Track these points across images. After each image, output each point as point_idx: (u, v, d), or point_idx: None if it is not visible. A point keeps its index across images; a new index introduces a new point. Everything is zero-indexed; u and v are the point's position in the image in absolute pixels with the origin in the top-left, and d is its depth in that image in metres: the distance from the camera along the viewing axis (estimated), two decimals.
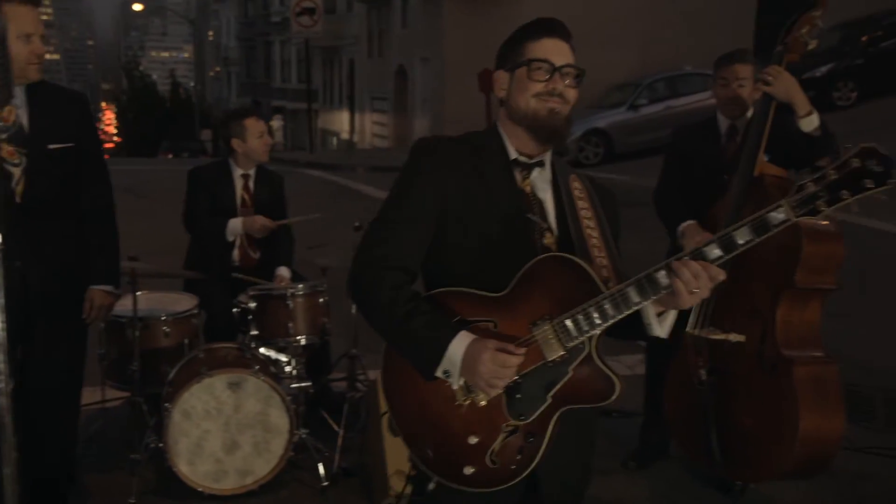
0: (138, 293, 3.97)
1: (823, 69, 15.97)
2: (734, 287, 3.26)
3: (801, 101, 3.23)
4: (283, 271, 4.43)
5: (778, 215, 1.75)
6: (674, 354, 3.56)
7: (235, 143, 4.40)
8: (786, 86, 3.24)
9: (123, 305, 3.92)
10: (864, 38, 16.19)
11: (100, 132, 4.32)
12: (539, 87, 1.98)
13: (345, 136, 33.04)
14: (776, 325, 3.10)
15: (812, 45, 3.13)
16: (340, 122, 33.66)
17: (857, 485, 3.84)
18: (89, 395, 4.48)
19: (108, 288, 3.36)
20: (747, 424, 3.18)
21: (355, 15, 31.10)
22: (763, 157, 3.34)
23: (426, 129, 22.22)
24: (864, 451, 4.10)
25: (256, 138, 4.39)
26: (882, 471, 3.96)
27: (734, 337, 3.20)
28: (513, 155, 2.06)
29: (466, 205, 2.00)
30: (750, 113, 3.63)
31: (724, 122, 3.78)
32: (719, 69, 3.73)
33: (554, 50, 2.00)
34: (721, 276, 1.79)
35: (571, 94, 2.01)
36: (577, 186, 2.09)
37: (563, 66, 1.99)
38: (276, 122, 30.48)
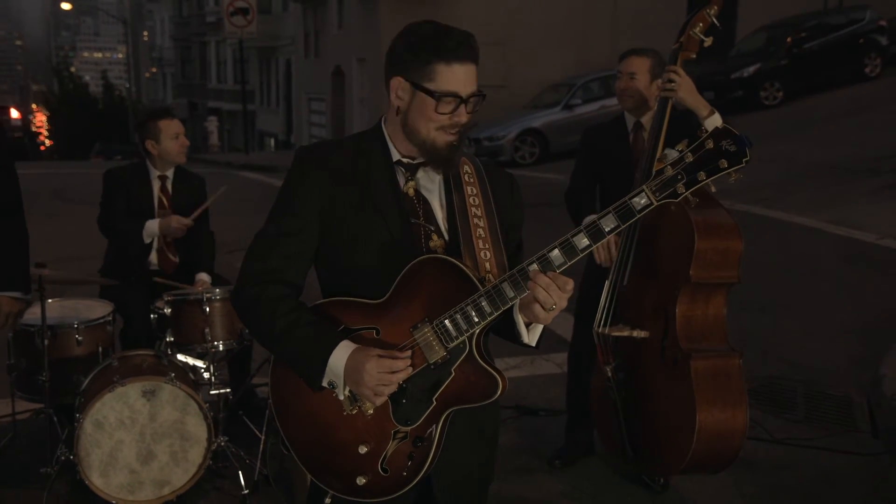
0: (51, 301, 3.84)
1: (751, 69, 16.38)
2: (639, 284, 3.29)
3: (701, 103, 3.26)
4: (204, 276, 4.33)
5: (640, 200, 1.77)
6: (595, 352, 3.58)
7: (150, 144, 4.28)
8: (687, 89, 3.26)
9: (33, 314, 3.78)
10: (788, 40, 16.61)
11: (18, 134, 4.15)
12: (444, 119, 1.89)
13: (282, 137, 32.68)
14: (677, 320, 3.12)
15: (707, 42, 3.15)
16: (277, 123, 33.28)
17: (776, 475, 3.91)
18: None
19: (17, 294, 3.22)
20: (654, 420, 3.20)
21: (291, 15, 30.80)
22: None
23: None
24: (783, 443, 4.20)
25: (171, 139, 4.27)
26: (800, 462, 4.04)
27: (638, 333, 3.22)
28: (395, 157, 2.01)
29: (349, 212, 1.95)
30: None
31: (630, 120, 3.81)
32: (619, 64, 3.76)
33: (464, 79, 1.89)
34: (569, 285, 1.79)
35: (469, 118, 1.94)
36: (466, 171, 2.04)
37: (469, 97, 1.90)
38: (212, 124, 30.01)
